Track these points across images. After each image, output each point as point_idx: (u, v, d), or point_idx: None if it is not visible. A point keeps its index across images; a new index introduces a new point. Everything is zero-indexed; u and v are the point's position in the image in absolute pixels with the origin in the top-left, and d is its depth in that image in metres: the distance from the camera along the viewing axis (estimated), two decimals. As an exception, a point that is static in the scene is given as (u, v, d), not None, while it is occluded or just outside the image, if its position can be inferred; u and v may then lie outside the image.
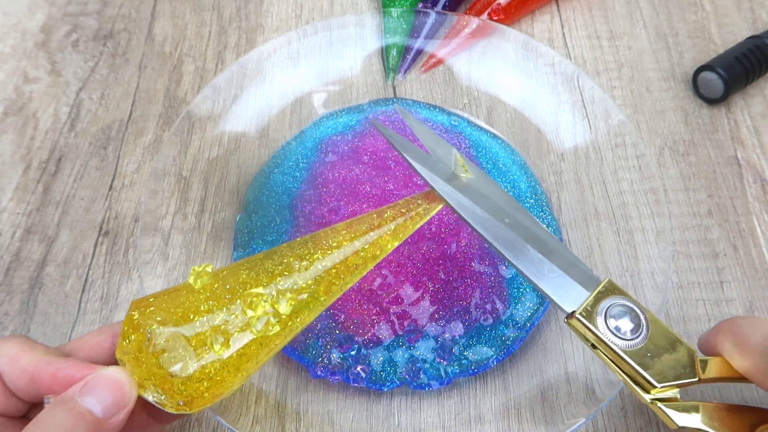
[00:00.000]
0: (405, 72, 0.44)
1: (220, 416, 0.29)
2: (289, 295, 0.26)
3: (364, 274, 0.28)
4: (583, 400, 0.30)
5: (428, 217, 0.29)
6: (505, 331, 0.33)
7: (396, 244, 0.28)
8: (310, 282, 0.26)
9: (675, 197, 0.39)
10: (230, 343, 0.25)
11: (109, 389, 0.23)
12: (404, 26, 0.44)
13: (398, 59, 0.44)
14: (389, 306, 0.33)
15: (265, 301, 0.25)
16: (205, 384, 0.24)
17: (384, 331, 0.33)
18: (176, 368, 0.24)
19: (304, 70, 0.42)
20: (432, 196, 0.29)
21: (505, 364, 0.33)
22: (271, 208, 0.37)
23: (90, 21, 0.48)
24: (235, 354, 0.25)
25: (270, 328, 0.25)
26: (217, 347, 0.24)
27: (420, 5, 0.46)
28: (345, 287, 0.28)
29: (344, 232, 0.28)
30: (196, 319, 0.25)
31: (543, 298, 0.34)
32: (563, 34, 0.46)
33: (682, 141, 0.41)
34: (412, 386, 0.32)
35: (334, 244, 0.27)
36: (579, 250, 0.36)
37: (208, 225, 0.37)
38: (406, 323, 0.33)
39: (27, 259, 0.38)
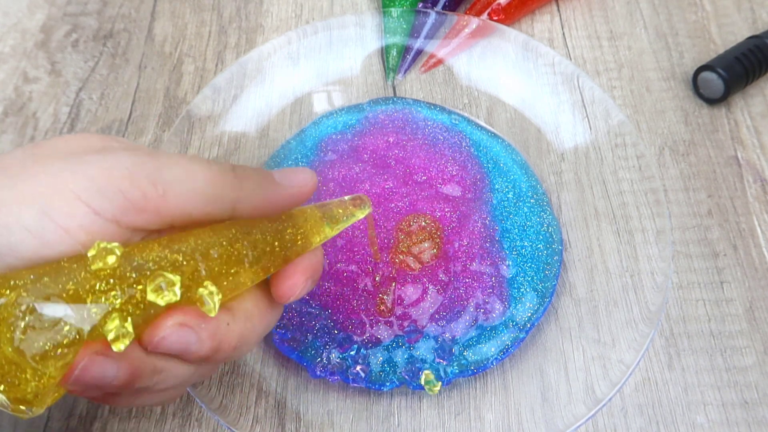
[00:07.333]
0: (405, 72, 0.44)
1: (219, 416, 0.29)
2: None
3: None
4: (583, 400, 0.30)
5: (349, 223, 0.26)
6: (505, 331, 0.33)
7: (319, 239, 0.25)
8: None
9: (675, 197, 0.39)
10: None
11: None
12: (404, 26, 0.44)
13: (398, 59, 0.44)
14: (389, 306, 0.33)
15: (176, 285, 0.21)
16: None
17: (383, 332, 0.33)
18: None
19: (304, 70, 0.42)
20: (358, 202, 0.27)
21: (505, 364, 0.33)
22: (271, 208, 0.37)
23: (90, 21, 0.48)
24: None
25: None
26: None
27: (420, 5, 0.46)
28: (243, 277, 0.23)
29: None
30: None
31: (543, 298, 0.34)
32: (563, 34, 0.46)
33: (682, 141, 0.41)
34: (411, 386, 0.32)
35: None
36: (579, 250, 0.36)
37: (207, 225, 0.37)
38: (405, 323, 0.33)
39: (27, 259, 0.38)
